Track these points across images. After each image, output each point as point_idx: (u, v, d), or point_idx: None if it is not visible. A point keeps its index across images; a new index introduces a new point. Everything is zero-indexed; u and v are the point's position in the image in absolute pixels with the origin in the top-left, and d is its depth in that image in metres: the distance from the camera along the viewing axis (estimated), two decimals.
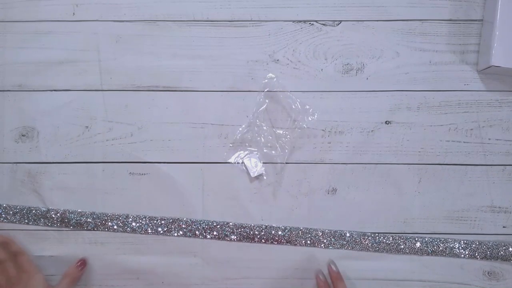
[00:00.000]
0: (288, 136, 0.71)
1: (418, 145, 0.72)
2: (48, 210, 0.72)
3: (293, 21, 0.72)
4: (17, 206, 0.72)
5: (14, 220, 0.72)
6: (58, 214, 0.72)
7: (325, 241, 0.71)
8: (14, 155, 0.73)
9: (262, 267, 0.72)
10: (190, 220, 0.72)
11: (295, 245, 0.71)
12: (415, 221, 0.72)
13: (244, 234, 0.71)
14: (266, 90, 0.71)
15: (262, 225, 0.72)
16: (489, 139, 0.72)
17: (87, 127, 0.73)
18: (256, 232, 0.71)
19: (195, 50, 0.72)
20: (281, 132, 0.72)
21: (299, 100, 0.71)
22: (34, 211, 0.72)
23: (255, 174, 0.71)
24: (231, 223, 0.72)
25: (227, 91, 0.72)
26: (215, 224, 0.72)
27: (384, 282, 0.72)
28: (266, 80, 0.71)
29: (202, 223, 0.72)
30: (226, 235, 0.71)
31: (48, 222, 0.72)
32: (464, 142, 0.72)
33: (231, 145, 0.72)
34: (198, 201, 0.72)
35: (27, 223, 0.72)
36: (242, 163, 0.72)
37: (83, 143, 0.73)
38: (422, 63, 0.72)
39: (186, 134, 0.73)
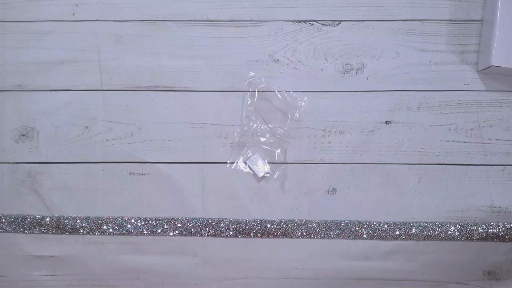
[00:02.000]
0: (285, 128, 0.71)
1: (418, 145, 0.72)
2: (43, 217, 0.72)
3: (293, 21, 0.72)
4: (11, 215, 0.72)
5: (10, 230, 0.72)
6: (53, 221, 0.72)
7: (320, 231, 0.71)
8: (14, 155, 0.73)
9: (262, 267, 0.72)
10: (185, 218, 0.72)
11: (291, 237, 0.71)
12: (415, 221, 0.72)
13: (240, 229, 0.71)
14: (250, 89, 0.71)
15: (258, 219, 0.72)
16: (489, 139, 0.72)
17: (87, 127, 0.73)
18: (251, 227, 0.71)
19: (195, 50, 0.72)
20: (276, 127, 0.72)
21: (285, 91, 0.71)
22: (29, 219, 0.72)
23: (262, 174, 0.71)
24: (226, 219, 0.72)
25: (227, 91, 0.72)
26: (210, 221, 0.72)
27: (384, 282, 0.72)
28: (246, 82, 0.71)
29: (197, 221, 0.72)
30: (222, 232, 0.71)
31: (44, 229, 0.72)
32: (464, 142, 0.72)
33: (230, 146, 0.72)
34: (198, 201, 0.72)
35: (23, 232, 0.72)
36: (245, 163, 0.72)
37: (83, 143, 0.73)
38: (422, 63, 0.72)
39: (186, 134, 0.73)
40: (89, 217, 0.72)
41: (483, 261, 0.72)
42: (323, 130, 0.72)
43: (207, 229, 0.71)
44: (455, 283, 0.72)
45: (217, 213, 0.72)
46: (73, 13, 0.73)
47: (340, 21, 0.72)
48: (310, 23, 0.72)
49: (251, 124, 0.72)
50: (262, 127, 0.72)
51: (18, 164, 0.73)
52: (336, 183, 0.72)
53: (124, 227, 0.72)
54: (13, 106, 0.73)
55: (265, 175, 0.72)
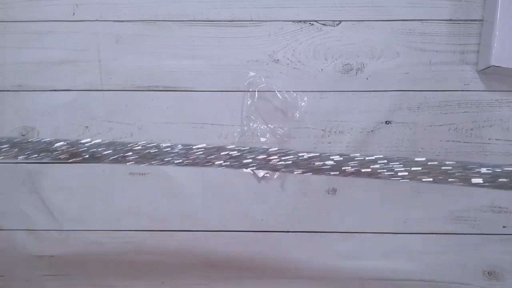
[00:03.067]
0: (285, 128, 0.71)
1: (418, 145, 0.72)
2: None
3: (293, 21, 0.72)
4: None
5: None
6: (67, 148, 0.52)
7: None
8: None
9: (263, 267, 0.72)
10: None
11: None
12: (415, 221, 0.72)
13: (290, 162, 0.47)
14: (250, 89, 0.71)
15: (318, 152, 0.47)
16: (489, 139, 0.72)
17: (87, 127, 0.73)
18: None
19: (195, 50, 0.72)
20: (276, 127, 0.72)
21: (285, 91, 0.71)
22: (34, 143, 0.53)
23: (262, 174, 0.71)
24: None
25: (227, 91, 0.72)
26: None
27: (384, 282, 0.72)
28: (246, 82, 0.71)
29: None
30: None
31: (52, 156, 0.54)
32: (464, 142, 0.72)
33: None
34: (198, 201, 0.72)
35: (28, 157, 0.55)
36: None
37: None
38: (422, 63, 0.72)
39: (186, 134, 0.72)
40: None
41: (483, 261, 0.72)
42: (323, 130, 0.72)
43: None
44: (455, 283, 0.72)
45: (217, 213, 0.72)
46: (73, 13, 0.73)
47: (340, 21, 0.72)
48: (310, 23, 0.72)
49: (251, 124, 0.72)
50: (262, 127, 0.72)
51: (18, 164, 0.73)
52: (336, 183, 0.72)
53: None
54: (13, 106, 0.73)
55: (265, 175, 0.72)
